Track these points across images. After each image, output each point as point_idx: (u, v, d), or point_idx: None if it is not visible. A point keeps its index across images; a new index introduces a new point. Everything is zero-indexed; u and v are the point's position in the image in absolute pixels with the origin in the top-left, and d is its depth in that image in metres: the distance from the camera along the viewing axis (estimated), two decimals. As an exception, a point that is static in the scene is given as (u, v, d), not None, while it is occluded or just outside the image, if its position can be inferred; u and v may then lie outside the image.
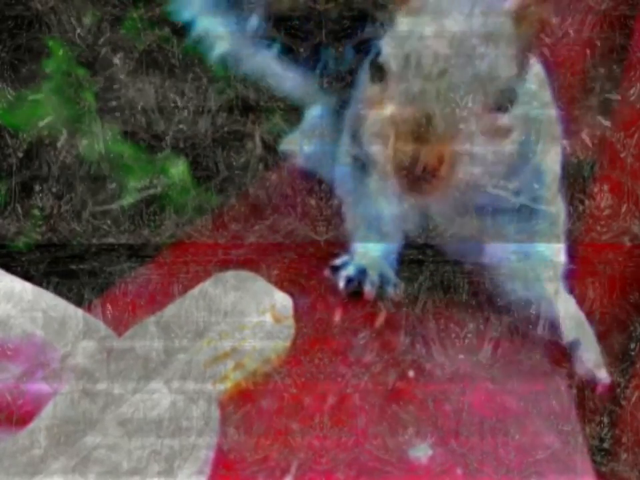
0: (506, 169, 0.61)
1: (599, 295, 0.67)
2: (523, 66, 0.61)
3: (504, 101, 0.59)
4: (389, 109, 0.59)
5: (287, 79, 0.73)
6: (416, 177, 0.57)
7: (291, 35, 0.70)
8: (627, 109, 0.66)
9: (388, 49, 0.61)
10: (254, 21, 0.70)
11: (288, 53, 0.71)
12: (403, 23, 0.62)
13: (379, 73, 0.60)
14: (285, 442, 0.57)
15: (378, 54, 0.61)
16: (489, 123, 0.59)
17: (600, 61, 0.67)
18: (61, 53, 0.67)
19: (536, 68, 0.65)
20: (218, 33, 0.71)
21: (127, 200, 0.68)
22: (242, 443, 0.56)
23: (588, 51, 0.67)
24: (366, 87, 0.63)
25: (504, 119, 0.60)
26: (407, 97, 0.58)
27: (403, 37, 0.61)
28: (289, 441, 0.57)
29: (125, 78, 0.67)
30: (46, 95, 0.68)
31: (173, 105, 0.68)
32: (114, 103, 0.68)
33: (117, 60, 0.67)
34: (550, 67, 0.66)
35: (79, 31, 0.67)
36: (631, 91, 0.66)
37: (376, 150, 0.60)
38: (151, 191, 0.69)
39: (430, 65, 0.58)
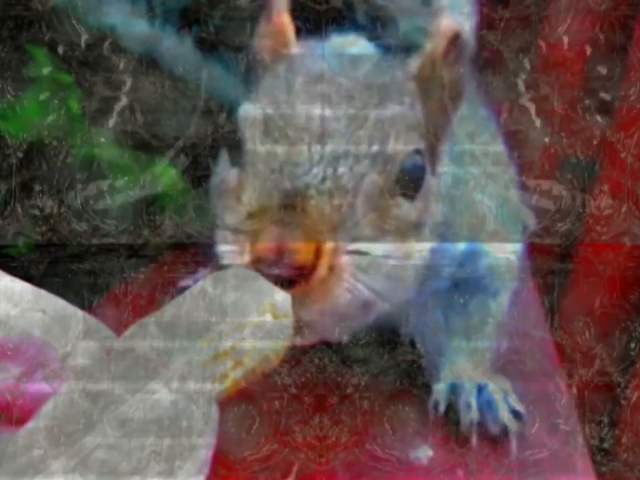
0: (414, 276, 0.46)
1: (599, 295, 0.67)
2: (433, 146, 0.47)
3: (406, 183, 0.45)
4: (245, 197, 0.45)
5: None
6: (282, 281, 0.43)
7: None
8: (626, 109, 0.66)
9: (244, 115, 0.46)
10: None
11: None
12: (266, 84, 0.48)
13: (237, 151, 0.46)
14: (284, 442, 0.57)
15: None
16: (388, 211, 0.44)
17: (600, 61, 0.67)
18: (44, 59, 0.67)
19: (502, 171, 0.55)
20: None
21: (122, 199, 0.68)
22: (242, 443, 0.56)
23: (588, 51, 0.67)
24: (225, 171, 0.49)
25: (408, 210, 0.45)
26: (266, 176, 0.43)
27: (264, 97, 0.46)
28: (288, 441, 0.57)
29: (125, 78, 0.67)
30: (34, 99, 0.67)
31: (173, 105, 0.68)
32: (113, 103, 0.68)
33: (117, 60, 0.67)
34: (549, 67, 0.66)
35: (79, 31, 0.67)
36: (631, 91, 0.66)
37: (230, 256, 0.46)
38: (150, 191, 0.69)
39: (301, 127, 0.43)
